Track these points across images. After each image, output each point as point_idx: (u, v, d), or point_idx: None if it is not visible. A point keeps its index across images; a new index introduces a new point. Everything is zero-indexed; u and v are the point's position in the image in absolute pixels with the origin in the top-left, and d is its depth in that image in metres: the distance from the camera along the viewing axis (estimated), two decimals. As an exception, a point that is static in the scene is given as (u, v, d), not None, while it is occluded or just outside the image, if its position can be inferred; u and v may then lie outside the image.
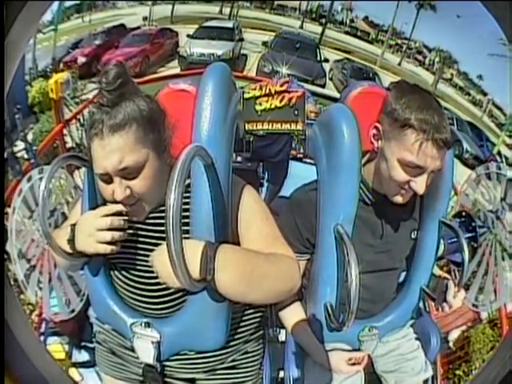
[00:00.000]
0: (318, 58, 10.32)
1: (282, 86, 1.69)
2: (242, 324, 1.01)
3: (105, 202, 0.91)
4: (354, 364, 1.07)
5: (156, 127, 0.86)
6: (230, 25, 11.58)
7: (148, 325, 0.93)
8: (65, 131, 2.98)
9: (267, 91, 1.68)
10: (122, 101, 0.82)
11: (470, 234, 1.31)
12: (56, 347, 1.75)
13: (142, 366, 0.97)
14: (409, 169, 0.93)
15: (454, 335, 2.48)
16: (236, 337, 1.00)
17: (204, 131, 0.88)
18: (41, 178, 1.42)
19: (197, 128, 0.89)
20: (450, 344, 2.45)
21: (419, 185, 0.94)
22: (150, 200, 0.88)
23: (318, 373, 1.12)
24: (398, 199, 1.00)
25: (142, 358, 0.95)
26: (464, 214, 1.35)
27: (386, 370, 1.20)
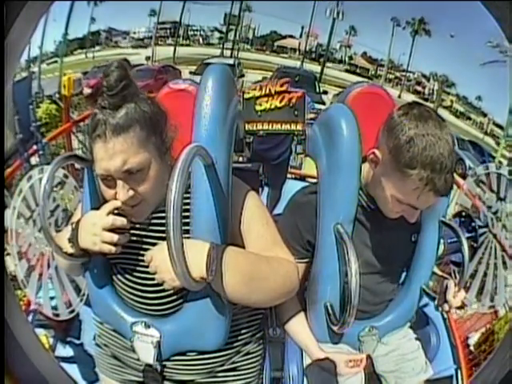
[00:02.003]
0: (317, 90, 10.48)
1: (281, 86, 1.69)
2: (242, 325, 1.01)
3: (105, 202, 0.91)
4: (353, 366, 1.07)
5: (158, 129, 0.86)
6: (230, 61, 11.82)
7: (148, 324, 0.93)
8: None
9: (267, 91, 1.67)
10: (124, 103, 0.82)
11: (470, 234, 1.32)
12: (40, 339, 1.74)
13: (142, 368, 0.96)
14: (405, 207, 0.94)
15: (474, 338, 2.47)
16: (236, 338, 0.99)
17: (204, 131, 0.88)
18: (41, 178, 1.42)
19: (197, 128, 0.89)
20: (471, 348, 2.43)
21: (411, 217, 0.96)
22: (152, 201, 0.88)
23: (318, 373, 1.12)
24: (391, 216, 1.00)
25: (142, 358, 0.95)
26: (464, 214, 1.36)
27: (387, 370, 1.20)
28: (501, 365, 0.74)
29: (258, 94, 1.68)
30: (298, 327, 1.12)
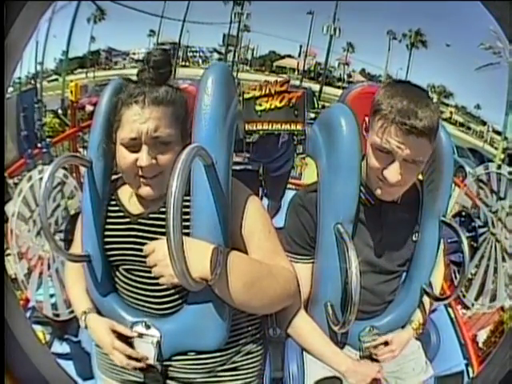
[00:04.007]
0: (316, 107, 10.63)
1: (281, 86, 1.69)
2: (242, 325, 1.01)
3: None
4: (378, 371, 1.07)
5: (186, 116, 0.92)
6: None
7: (148, 324, 0.93)
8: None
9: (267, 91, 1.67)
10: (165, 82, 0.91)
11: (470, 234, 1.32)
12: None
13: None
14: (380, 154, 0.93)
15: (483, 335, 2.48)
16: (236, 338, 0.99)
17: (204, 131, 0.88)
18: (41, 178, 1.42)
19: (197, 128, 0.89)
20: (480, 345, 2.44)
21: (391, 173, 0.93)
22: (167, 180, 0.89)
23: (318, 372, 1.11)
24: (379, 192, 0.99)
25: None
26: (464, 213, 1.36)
27: (387, 370, 1.19)
28: (501, 365, 0.74)
29: (258, 94, 1.68)
30: (314, 339, 1.09)
